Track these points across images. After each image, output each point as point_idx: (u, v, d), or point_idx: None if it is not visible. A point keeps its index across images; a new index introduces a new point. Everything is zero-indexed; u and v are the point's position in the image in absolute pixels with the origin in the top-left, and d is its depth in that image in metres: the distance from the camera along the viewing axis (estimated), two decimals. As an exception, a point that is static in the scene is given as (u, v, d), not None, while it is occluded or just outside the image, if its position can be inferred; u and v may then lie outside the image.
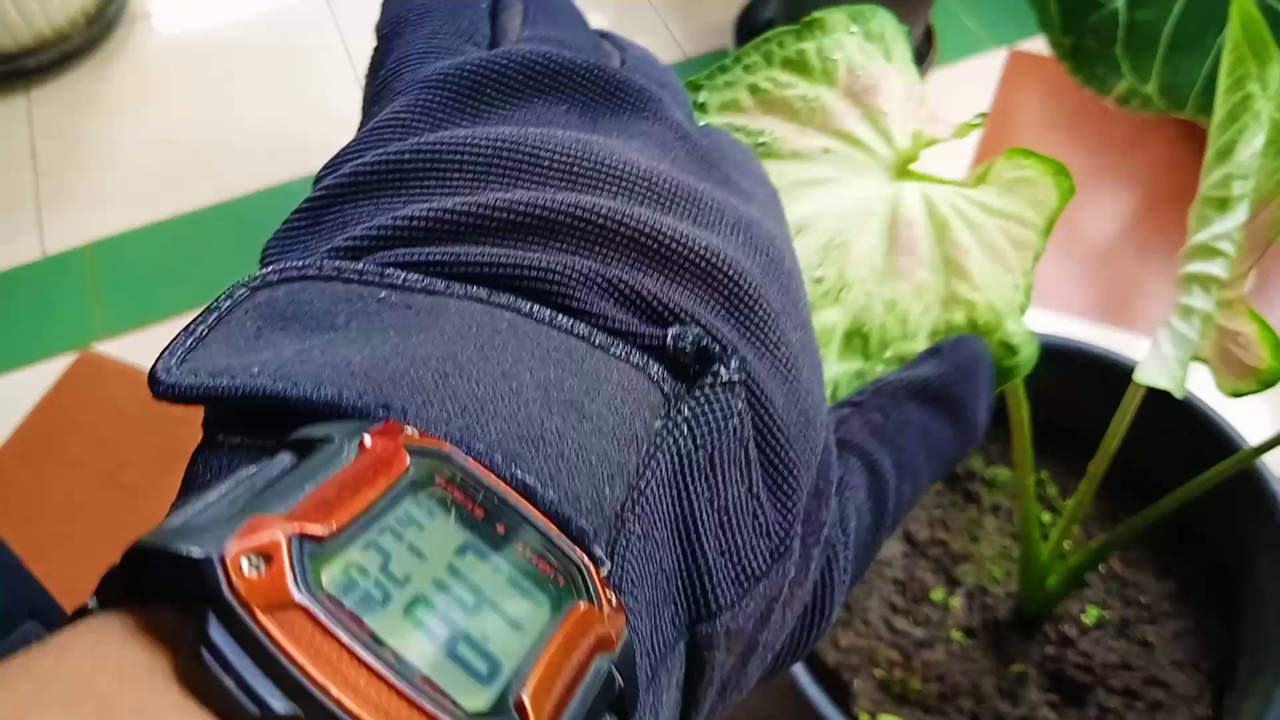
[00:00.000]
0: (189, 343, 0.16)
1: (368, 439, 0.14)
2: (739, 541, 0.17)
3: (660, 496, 0.16)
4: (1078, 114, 0.99)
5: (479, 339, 0.16)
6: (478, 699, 0.12)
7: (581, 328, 0.17)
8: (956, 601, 0.54)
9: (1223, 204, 0.33)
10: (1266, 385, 0.32)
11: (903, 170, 0.30)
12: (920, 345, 0.27)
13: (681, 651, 0.16)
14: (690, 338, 0.17)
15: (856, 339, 0.28)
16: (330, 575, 0.12)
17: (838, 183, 0.30)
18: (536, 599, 0.13)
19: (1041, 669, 0.52)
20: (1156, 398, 0.39)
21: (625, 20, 1.12)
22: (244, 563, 0.11)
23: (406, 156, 0.19)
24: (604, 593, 0.14)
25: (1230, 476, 0.43)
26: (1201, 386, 0.40)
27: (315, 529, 0.12)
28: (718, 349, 0.17)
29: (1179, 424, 0.53)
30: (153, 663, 0.11)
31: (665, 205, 0.19)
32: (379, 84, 0.22)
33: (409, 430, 0.14)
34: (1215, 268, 0.33)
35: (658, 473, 0.16)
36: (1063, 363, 0.55)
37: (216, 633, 0.11)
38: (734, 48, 1.04)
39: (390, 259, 0.17)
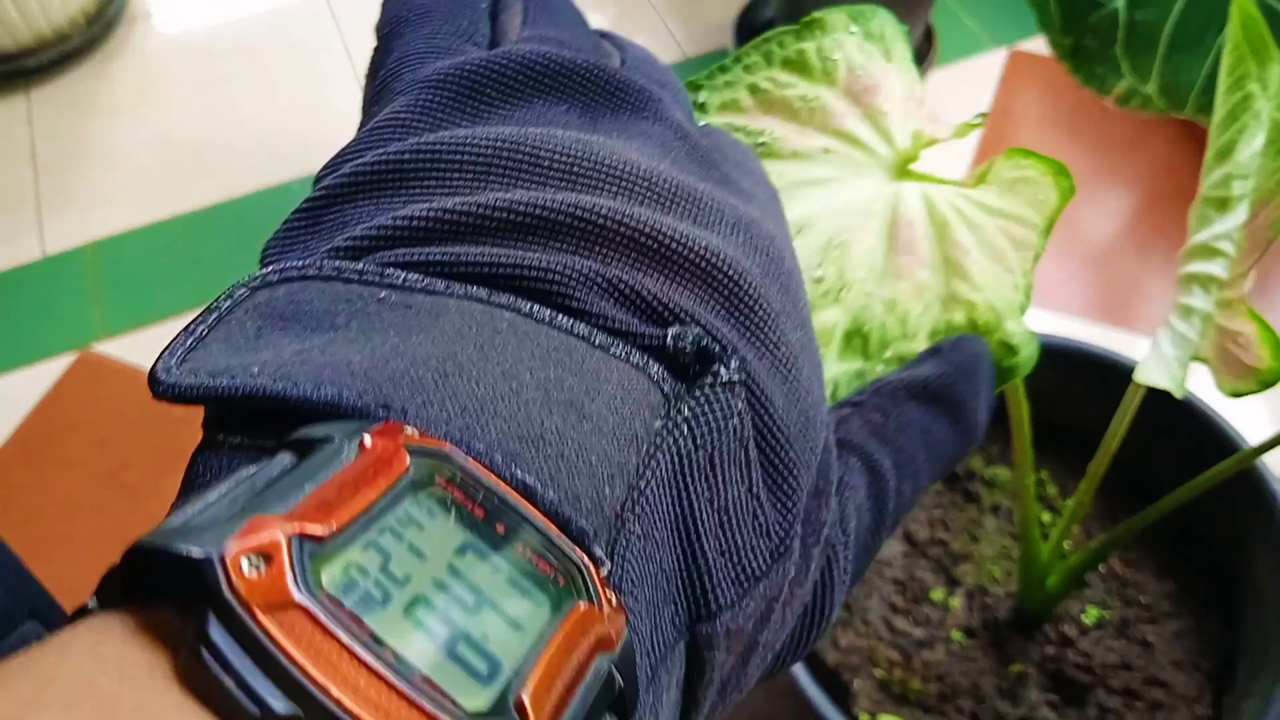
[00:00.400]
0: (189, 343, 0.16)
1: (368, 439, 0.14)
2: (739, 541, 0.17)
3: (660, 496, 0.16)
4: (1078, 114, 0.99)
5: (479, 339, 0.16)
6: (478, 699, 0.12)
7: (581, 328, 0.17)
8: (956, 601, 0.54)
9: (1223, 204, 0.33)
10: (1266, 385, 0.32)
11: (903, 170, 0.30)
12: (920, 345, 0.27)
13: (681, 651, 0.16)
14: (690, 338, 0.17)
15: (856, 339, 0.28)
16: (330, 575, 0.12)
17: (838, 183, 0.30)
18: (536, 599, 0.13)
19: (1041, 669, 0.52)
20: (1156, 398, 0.39)
21: (625, 20, 1.12)
22: (244, 563, 0.11)
23: (406, 156, 0.19)
24: (604, 593, 0.14)
25: (1230, 476, 0.43)
26: (1201, 386, 0.40)
27: (315, 529, 0.12)
28: (718, 349, 0.17)
29: (1179, 424, 0.53)
30: (153, 663, 0.11)
31: (665, 205, 0.19)
32: (379, 84, 0.22)
33: (409, 430, 0.14)
34: (1215, 268, 0.33)
35: (658, 473, 0.16)
36: (1063, 363, 0.55)
37: (216, 633, 0.11)
38: (734, 48, 1.04)
39: (390, 259, 0.17)
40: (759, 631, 0.18)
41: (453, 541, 0.13)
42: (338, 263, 0.17)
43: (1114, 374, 0.52)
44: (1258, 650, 0.50)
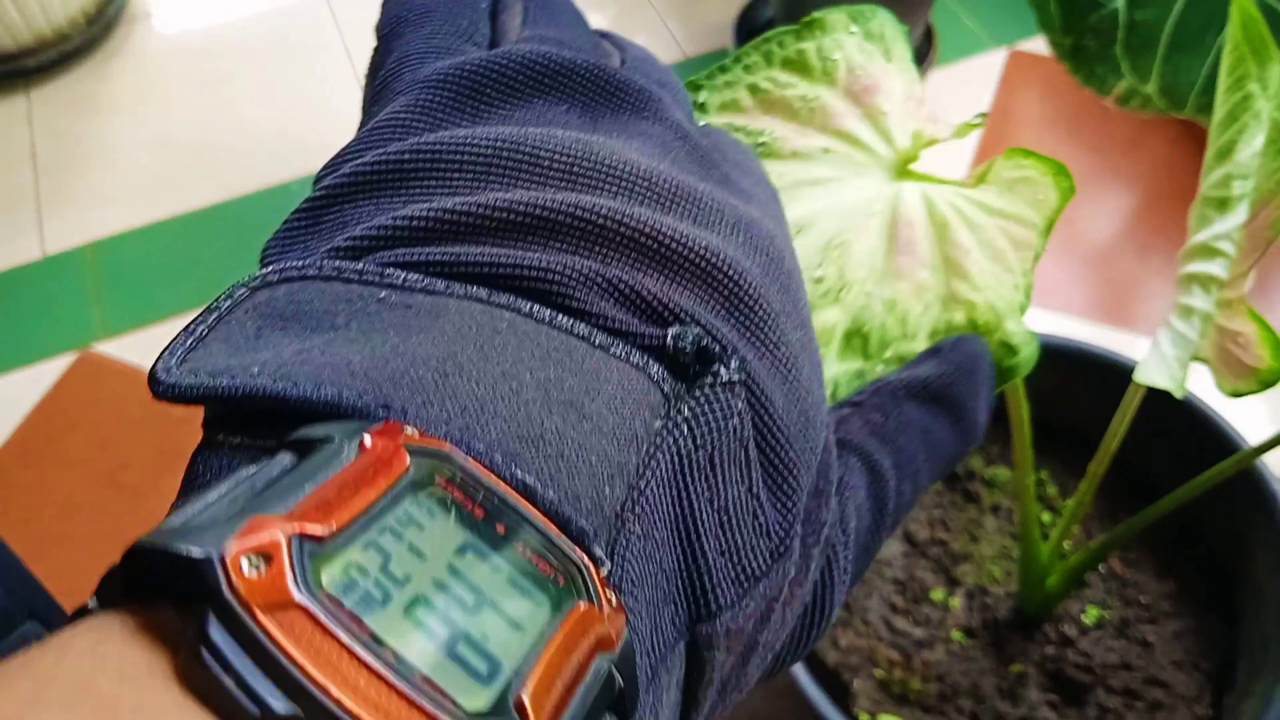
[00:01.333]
0: (189, 343, 0.16)
1: (368, 439, 0.14)
2: (739, 541, 0.17)
3: (660, 496, 0.16)
4: (1078, 114, 0.99)
5: (479, 339, 0.16)
6: (478, 699, 0.12)
7: (581, 327, 0.17)
8: (956, 601, 0.54)
9: (1223, 204, 0.33)
10: (1266, 385, 0.32)
11: (903, 170, 0.30)
12: (920, 345, 0.27)
13: (681, 651, 0.16)
14: (690, 338, 0.17)
15: (856, 339, 0.28)
16: (330, 575, 0.12)
17: (838, 183, 0.30)
18: (536, 599, 0.13)
19: (1041, 669, 0.52)
20: (1156, 398, 0.39)
21: (625, 20, 1.12)
22: (244, 563, 0.11)
23: (406, 156, 0.19)
24: (604, 593, 0.14)
25: (1230, 476, 0.43)
26: (1201, 386, 0.40)
27: (315, 529, 0.12)
28: (718, 349, 0.17)
29: (1179, 424, 0.53)
30: (153, 663, 0.11)
31: (665, 205, 0.19)
32: (379, 84, 0.22)
33: (409, 430, 0.14)
34: (1215, 268, 0.33)
35: (658, 473, 0.16)
36: (1063, 363, 0.55)
37: (216, 633, 0.11)
38: (734, 48, 1.04)
39: (390, 259, 0.17)
40: (759, 631, 0.18)
41: (453, 541, 0.13)
42: (338, 263, 0.17)
43: (1114, 374, 0.52)
44: (1258, 650, 0.50)
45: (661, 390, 0.17)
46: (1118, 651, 0.52)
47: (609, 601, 0.14)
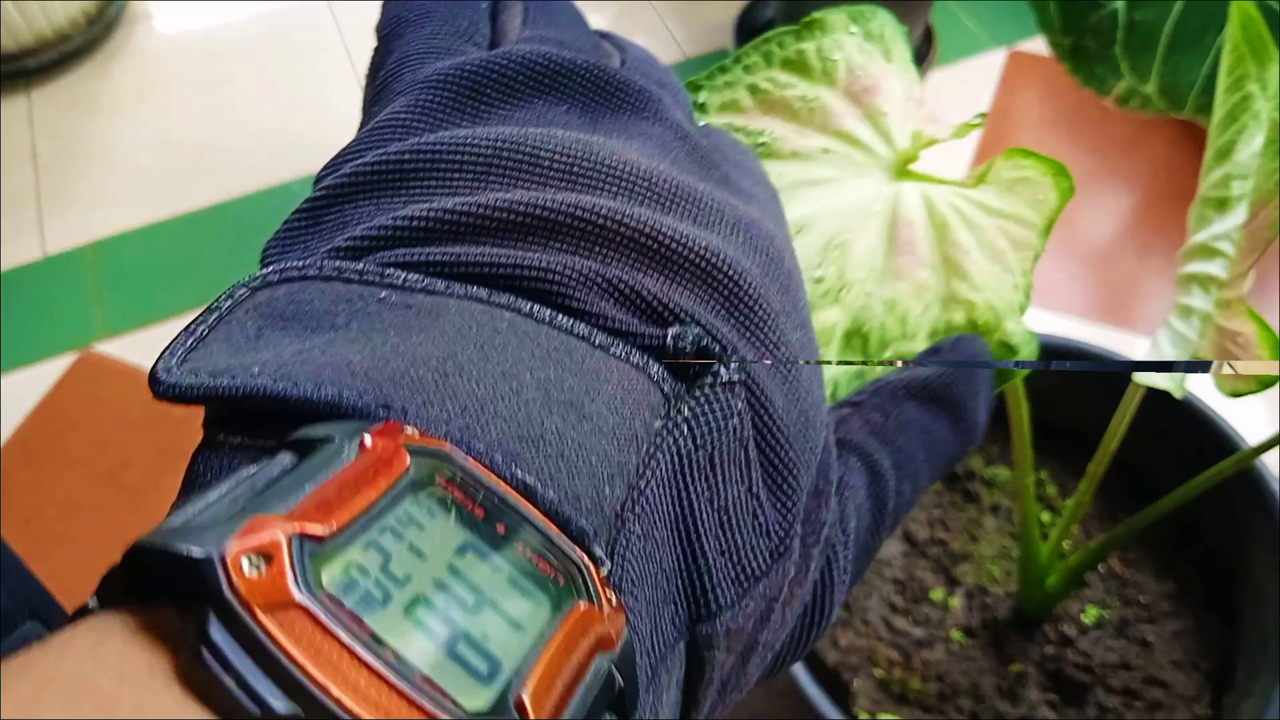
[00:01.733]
0: (189, 343, 0.16)
1: (368, 439, 0.14)
2: (739, 541, 0.17)
3: (660, 496, 0.16)
4: (1078, 114, 0.99)
5: (479, 339, 0.16)
6: (478, 698, 0.12)
7: (581, 327, 0.17)
8: (956, 601, 0.54)
9: (1222, 204, 0.33)
10: (1265, 385, 0.32)
11: (902, 170, 0.30)
12: (920, 345, 0.27)
13: (681, 651, 0.16)
14: (690, 338, 0.17)
15: (856, 339, 0.28)
16: (331, 575, 0.12)
17: (838, 183, 0.30)
18: (536, 599, 0.13)
19: (1041, 668, 0.52)
20: (1156, 398, 0.39)
21: (625, 20, 1.12)
22: (244, 562, 0.11)
23: (406, 156, 0.19)
24: (604, 592, 0.14)
25: (1230, 476, 0.43)
26: (1201, 386, 0.40)
27: (315, 529, 0.12)
28: (718, 349, 0.17)
29: (1179, 424, 0.53)
30: (153, 662, 0.11)
31: (665, 205, 0.19)
32: (379, 84, 0.22)
33: (409, 430, 0.14)
34: (1214, 268, 0.33)
35: (658, 472, 0.16)
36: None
37: (217, 632, 0.11)
38: (734, 48, 1.04)
39: (390, 259, 0.17)
40: (759, 631, 0.18)
41: (453, 541, 0.13)
42: (338, 263, 0.17)
43: (1114, 374, 0.52)
44: (1257, 650, 0.50)
45: (661, 390, 0.17)
46: (1117, 651, 0.52)
47: (609, 601, 0.14)
